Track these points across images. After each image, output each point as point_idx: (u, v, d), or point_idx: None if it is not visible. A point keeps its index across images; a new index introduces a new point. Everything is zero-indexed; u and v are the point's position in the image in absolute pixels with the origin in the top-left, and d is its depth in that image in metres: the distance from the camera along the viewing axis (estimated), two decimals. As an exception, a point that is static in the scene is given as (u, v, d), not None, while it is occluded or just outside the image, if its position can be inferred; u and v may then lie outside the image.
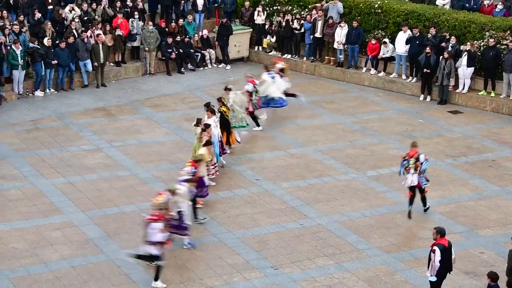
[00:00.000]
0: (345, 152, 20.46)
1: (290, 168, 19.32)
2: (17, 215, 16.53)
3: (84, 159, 19.55)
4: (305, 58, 27.88)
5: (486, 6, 26.28)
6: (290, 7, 28.42)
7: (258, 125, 21.72)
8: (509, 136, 21.84)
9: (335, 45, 26.79)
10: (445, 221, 16.67)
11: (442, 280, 13.34)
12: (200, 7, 28.43)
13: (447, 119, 23.29)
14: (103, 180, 18.41)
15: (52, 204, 17.11)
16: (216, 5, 29.45)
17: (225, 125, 19.56)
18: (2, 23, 24.01)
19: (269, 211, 17.07)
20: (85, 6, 26.13)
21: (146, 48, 26.48)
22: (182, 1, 28.25)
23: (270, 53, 28.58)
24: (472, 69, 24.07)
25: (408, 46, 25.13)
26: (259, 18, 28.71)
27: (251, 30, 28.93)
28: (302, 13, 27.96)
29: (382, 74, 26.25)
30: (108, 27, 25.88)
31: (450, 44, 24.20)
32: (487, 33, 24.27)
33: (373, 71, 26.39)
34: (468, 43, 23.99)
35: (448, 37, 24.48)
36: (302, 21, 27.52)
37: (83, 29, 25.37)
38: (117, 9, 26.70)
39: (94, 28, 25.40)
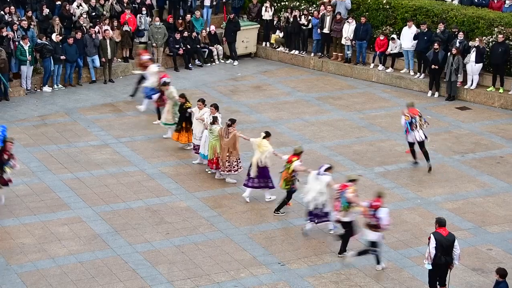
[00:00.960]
0: (352, 148, 20.44)
1: (298, 164, 19.29)
2: (25, 210, 16.58)
3: (91, 155, 19.59)
4: (312, 54, 27.84)
5: (495, 2, 26.18)
6: (298, 3, 28.39)
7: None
8: (517, 133, 21.79)
9: (343, 41, 26.74)
10: (453, 218, 16.64)
11: (439, 271, 13.19)
12: (207, 2, 28.43)
13: (455, 115, 23.23)
14: (111, 175, 18.45)
15: (60, 199, 17.15)
16: (223, 0, 29.43)
17: (189, 121, 19.38)
18: (10, 19, 24.08)
19: (275, 207, 17.04)
20: (93, 1, 26.15)
21: (154, 44, 26.49)
22: (190, -3, 28.29)
23: (277, 49, 28.56)
24: (480, 65, 23.99)
25: (415, 41, 25.08)
26: (267, 14, 28.69)
27: (259, 26, 28.91)
28: (310, 8, 27.93)
29: (390, 70, 26.20)
30: (115, 23, 25.91)
31: (458, 40, 24.13)
32: (496, 29, 24.18)
33: (381, 67, 26.34)
34: (477, 39, 23.91)
35: (456, 33, 24.41)
36: (310, 17, 27.49)
37: (91, 24, 25.41)
38: (125, 4, 26.72)
39: (101, 23, 25.44)
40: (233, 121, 17.97)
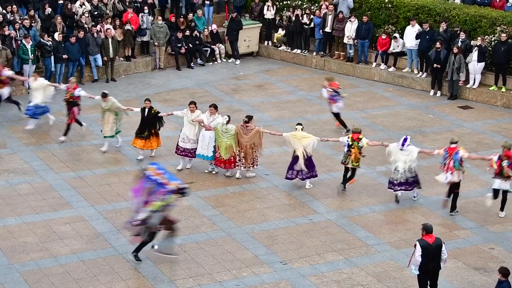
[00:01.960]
0: (354, 147, 20.40)
1: (300, 163, 19.28)
2: (27, 209, 16.60)
3: (93, 154, 19.59)
4: (314, 53, 27.84)
5: (497, 1, 26.15)
6: (300, 2, 28.37)
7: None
8: (520, 132, 21.76)
9: (345, 40, 26.74)
10: (455, 217, 16.65)
11: (427, 277, 12.97)
12: (209, 1, 28.43)
13: (457, 114, 23.21)
14: (113, 174, 18.46)
15: (62, 198, 17.16)
16: (226, -1, 29.48)
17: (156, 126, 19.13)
18: (12, 18, 24.09)
19: (278, 206, 17.07)
20: (95, 0, 26.17)
21: (156, 43, 26.50)
22: (192, -5, 28.29)
23: (280, 48, 28.56)
24: (482, 64, 23.97)
25: (418, 40, 25.07)
26: (269, 13, 28.69)
27: (261, 25, 28.91)
28: (312, 7, 27.91)
29: (392, 69, 26.18)
30: (118, 22, 25.93)
31: (460, 39, 24.10)
32: (498, 28, 24.15)
33: (383, 66, 26.32)
34: (479, 38, 23.89)
35: (458, 31, 24.39)
36: (312, 16, 27.47)
37: (93, 23, 25.42)
38: (127, 3, 26.73)
39: (104, 22, 25.45)
40: (250, 118, 18.08)
